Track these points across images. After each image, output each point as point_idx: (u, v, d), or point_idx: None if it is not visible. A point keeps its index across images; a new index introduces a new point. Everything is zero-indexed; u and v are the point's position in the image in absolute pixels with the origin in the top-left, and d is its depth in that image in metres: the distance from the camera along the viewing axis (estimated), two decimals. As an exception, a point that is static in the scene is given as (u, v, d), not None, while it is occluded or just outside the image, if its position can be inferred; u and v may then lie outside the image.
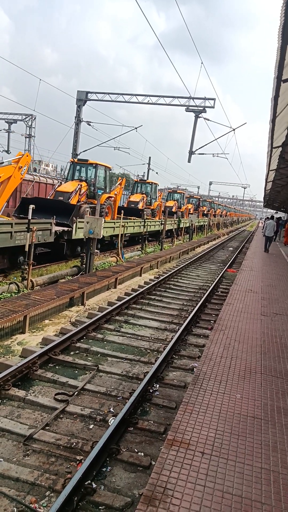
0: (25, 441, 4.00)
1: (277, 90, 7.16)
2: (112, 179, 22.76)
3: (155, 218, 24.30)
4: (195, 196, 48.81)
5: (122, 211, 16.53)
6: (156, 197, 26.85)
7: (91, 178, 17.07)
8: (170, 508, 2.55)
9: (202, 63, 19.64)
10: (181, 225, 27.27)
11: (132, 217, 19.10)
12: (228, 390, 4.27)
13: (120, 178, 20.52)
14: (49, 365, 5.87)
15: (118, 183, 19.82)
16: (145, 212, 21.52)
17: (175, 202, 33.52)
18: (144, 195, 24.79)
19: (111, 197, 18.00)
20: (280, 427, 3.64)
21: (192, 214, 33.28)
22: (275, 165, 15.23)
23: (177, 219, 26.60)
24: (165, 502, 2.59)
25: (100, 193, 16.45)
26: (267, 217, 25.19)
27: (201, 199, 47.91)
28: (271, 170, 17.70)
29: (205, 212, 45.04)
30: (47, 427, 4.30)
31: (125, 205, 23.57)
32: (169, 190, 38.79)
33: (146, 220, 19.72)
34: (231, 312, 7.49)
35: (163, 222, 21.68)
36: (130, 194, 27.93)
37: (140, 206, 23.35)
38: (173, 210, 30.89)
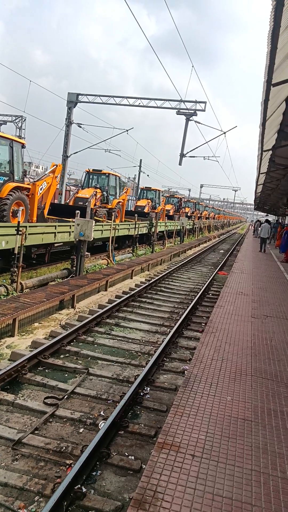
0: (13, 446, 3.94)
1: (267, 94, 7.23)
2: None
3: (116, 221, 18.43)
4: (176, 196, 42.05)
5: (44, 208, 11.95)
6: (117, 193, 20.83)
7: None
8: (160, 511, 2.53)
9: (193, 66, 19.78)
10: (155, 229, 22.53)
11: (71, 219, 13.31)
12: (219, 393, 4.27)
13: (54, 163, 14.67)
14: (39, 368, 5.82)
15: (50, 170, 14.60)
16: (97, 213, 17.30)
17: (149, 201, 27.96)
18: (97, 190, 19.10)
19: (20, 189, 12.19)
20: (270, 429, 3.64)
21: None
22: (265, 168, 15.39)
23: (149, 222, 21.60)
24: (155, 506, 2.57)
25: (2, 181, 11.66)
26: (258, 220, 25.52)
27: (183, 199, 42.23)
28: (261, 173, 17.86)
29: (188, 214, 39.77)
30: (36, 431, 4.25)
31: (71, 203, 18.44)
32: (142, 187, 32.49)
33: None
34: (222, 315, 7.50)
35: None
36: (79, 188, 22.33)
37: (91, 204, 17.54)
38: (145, 210, 25.87)
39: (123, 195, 21.97)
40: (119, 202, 20.67)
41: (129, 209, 30.46)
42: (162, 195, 32.76)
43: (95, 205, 18.07)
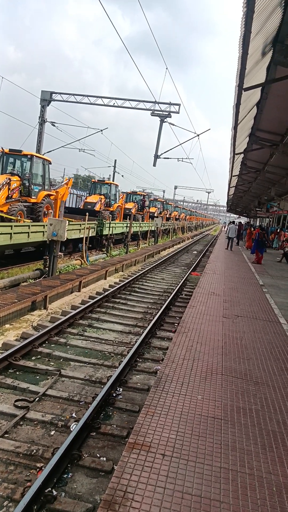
0: (-18, 451, 3.86)
1: (239, 98, 7.39)
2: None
3: (44, 220, 14.57)
4: (139, 193, 35.66)
5: None
6: (45, 183, 15.98)
7: None
8: (130, 511, 2.55)
9: (167, 68, 19.90)
10: (106, 232, 19.21)
11: None
12: (190, 392, 4.32)
13: None
14: (9, 371, 5.72)
15: None
16: (10, 209, 13.15)
17: (101, 197, 23.25)
18: (13, 178, 14.01)
19: None
20: (239, 427, 3.73)
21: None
22: (237, 171, 15.70)
23: (98, 223, 18.10)
24: (125, 506, 2.59)
25: None
26: (230, 222, 26.20)
27: (148, 198, 36.25)
28: (233, 176, 18.22)
29: (155, 215, 35.66)
30: (6, 435, 4.18)
31: None
32: (93, 180, 27.34)
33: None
34: (194, 315, 7.60)
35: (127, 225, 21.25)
36: None
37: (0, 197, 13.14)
38: (97, 208, 21.50)
39: (62, 187, 17.57)
40: (50, 195, 16.10)
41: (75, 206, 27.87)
42: (122, 192, 28.54)
43: (9, 197, 13.61)
